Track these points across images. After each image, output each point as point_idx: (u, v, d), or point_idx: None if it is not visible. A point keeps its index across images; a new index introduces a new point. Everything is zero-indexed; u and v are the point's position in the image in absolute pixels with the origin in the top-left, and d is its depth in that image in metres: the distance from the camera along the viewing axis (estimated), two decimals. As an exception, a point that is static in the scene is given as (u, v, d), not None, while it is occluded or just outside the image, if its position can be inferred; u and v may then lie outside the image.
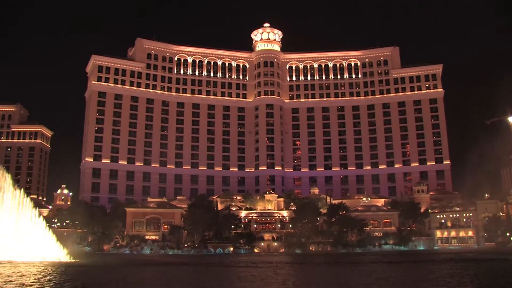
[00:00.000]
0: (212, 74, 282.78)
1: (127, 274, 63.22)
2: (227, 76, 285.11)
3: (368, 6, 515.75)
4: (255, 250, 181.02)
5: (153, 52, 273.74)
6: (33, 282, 46.55)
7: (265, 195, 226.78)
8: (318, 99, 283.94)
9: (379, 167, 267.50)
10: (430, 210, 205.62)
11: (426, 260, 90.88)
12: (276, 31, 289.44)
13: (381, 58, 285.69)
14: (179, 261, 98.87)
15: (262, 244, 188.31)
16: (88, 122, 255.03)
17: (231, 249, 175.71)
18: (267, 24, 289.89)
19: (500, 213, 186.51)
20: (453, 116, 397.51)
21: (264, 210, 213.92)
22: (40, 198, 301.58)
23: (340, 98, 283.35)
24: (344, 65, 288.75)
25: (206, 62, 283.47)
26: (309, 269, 74.47)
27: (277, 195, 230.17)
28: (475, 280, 48.74)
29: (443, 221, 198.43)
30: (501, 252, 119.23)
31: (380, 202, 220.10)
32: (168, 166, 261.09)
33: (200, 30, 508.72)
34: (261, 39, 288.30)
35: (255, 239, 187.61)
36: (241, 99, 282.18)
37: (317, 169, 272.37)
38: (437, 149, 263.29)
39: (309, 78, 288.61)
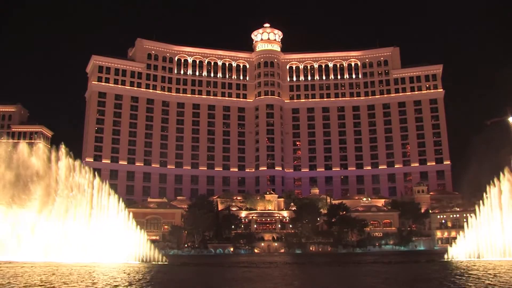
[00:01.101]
0: (212, 75, 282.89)
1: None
2: (227, 76, 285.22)
3: (368, 6, 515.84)
4: (255, 251, 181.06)
5: (153, 52, 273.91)
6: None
7: (265, 195, 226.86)
8: (318, 99, 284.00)
9: (379, 167, 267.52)
10: (430, 211, 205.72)
11: (428, 260, 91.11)
12: (276, 31, 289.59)
13: (381, 58, 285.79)
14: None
15: (262, 244, 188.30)
16: (88, 122, 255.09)
17: (231, 249, 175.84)
18: (267, 24, 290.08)
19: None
20: (453, 116, 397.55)
21: (264, 210, 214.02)
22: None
23: (340, 99, 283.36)
24: (344, 65, 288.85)
25: (206, 62, 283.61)
26: (315, 269, 74.63)
27: (277, 196, 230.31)
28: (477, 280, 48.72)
29: (443, 221, 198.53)
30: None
31: (380, 202, 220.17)
32: (168, 167, 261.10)
33: (200, 30, 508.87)
34: (261, 39, 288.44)
35: (255, 240, 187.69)
36: (241, 100, 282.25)
37: (317, 170, 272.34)
38: (437, 149, 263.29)
39: (309, 78, 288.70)
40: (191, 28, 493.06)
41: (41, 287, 42.12)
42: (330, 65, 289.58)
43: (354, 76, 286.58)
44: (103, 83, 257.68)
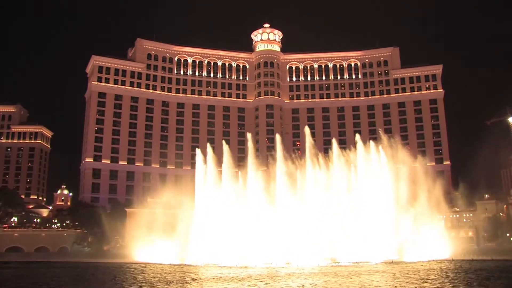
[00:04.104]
0: (212, 75, 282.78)
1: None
2: (227, 76, 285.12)
3: (368, 6, 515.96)
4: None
5: (153, 52, 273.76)
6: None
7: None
8: (318, 100, 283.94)
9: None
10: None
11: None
12: (276, 31, 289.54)
13: (381, 58, 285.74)
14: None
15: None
16: (88, 123, 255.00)
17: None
18: (267, 25, 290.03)
19: (500, 213, 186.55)
20: (453, 117, 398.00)
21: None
22: (40, 198, 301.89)
23: (340, 99, 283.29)
24: (344, 65, 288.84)
25: (206, 62, 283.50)
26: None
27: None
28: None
29: (442, 221, 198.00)
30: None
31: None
32: (168, 167, 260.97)
33: (200, 31, 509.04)
34: (261, 39, 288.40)
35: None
36: (241, 100, 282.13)
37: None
38: (437, 149, 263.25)
39: (309, 78, 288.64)
40: (191, 28, 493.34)
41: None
42: (330, 65, 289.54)
43: (354, 76, 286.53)
44: (103, 83, 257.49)
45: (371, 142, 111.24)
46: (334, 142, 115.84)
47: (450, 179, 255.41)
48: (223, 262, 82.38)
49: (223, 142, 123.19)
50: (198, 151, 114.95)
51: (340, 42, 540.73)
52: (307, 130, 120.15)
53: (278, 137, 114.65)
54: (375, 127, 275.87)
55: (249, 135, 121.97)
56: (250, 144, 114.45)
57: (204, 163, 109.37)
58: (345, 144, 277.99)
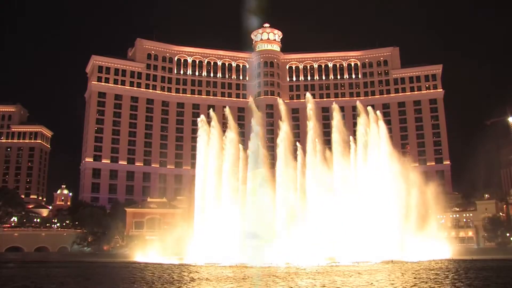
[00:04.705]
0: (212, 75, 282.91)
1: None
2: (227, 76, 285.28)
3: (368, 6, 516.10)
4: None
5: (153, 52, 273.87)
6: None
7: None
8: (318, 100, 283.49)
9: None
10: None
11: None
12: (276, 31, 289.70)
13: (381, 58, 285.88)
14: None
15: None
16: (88, 122, 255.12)
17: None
18: (267, 25, 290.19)
19: (500, 213, 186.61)
20: (453, 117, 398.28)
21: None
22: (40, 198, 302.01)
23: (340, 99, 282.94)
24: (344, 65, 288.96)
25: (206, 62, 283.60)
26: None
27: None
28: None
29: (442, 221, 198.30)
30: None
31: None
32: (168, 166, 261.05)
33: (200, 30, 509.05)
34: (261, 39, 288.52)
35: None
36: (241, 100, 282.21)
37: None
38: (437, 149, 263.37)
39: (309, 78, 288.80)
40: (191, 28, 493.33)
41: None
42: (330, 65, 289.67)
43: (354, 76, 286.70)
44: (103, 83, 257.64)
45: (370, 108, 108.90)
46: (335, 106, 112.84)
47: (450, 179, 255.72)
48: (223, 262, 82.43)
49: (226, 108, 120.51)
50: (202, 117, 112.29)
51: (340, 42, 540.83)
52: (308, 96, 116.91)
53: (284, 125, 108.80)
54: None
55: (251, 99, 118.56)
56: (253, 107, 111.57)
57: (208, 128, 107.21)
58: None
